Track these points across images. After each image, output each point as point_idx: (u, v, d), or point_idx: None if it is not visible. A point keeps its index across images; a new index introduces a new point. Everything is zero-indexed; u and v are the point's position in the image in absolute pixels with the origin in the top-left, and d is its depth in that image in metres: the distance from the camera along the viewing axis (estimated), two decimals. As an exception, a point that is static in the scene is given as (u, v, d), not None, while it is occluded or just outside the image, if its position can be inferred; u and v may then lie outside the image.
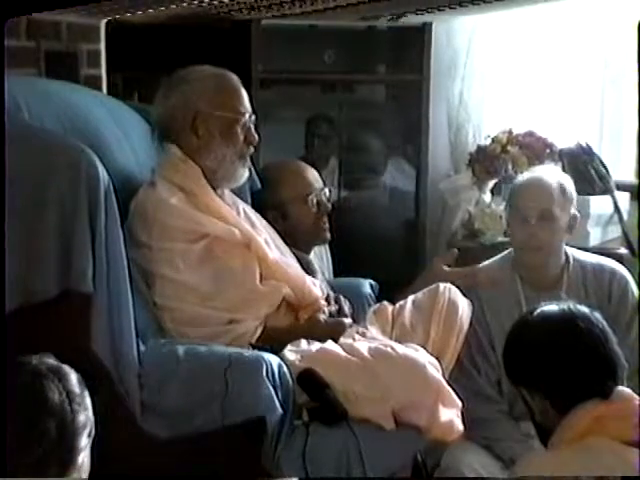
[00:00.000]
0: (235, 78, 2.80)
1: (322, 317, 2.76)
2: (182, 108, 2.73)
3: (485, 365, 2.95)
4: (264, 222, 2.96)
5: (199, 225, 2.66)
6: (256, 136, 2.79)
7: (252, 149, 2.81)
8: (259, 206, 3.05)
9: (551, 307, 2.21)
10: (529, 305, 2.91)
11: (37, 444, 1.63)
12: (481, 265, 3.13)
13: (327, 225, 3.17)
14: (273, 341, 2.61)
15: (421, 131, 4.43)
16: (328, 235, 3.20)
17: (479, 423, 2.84)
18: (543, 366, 2.13)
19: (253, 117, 2.80)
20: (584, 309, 2.19)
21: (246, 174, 2.85)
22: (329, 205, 3.17)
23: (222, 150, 2.74)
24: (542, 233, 2.97)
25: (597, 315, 2.18)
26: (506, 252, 3.14)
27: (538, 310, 2.22)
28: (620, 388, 2.10)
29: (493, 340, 2.95)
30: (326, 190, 3.19)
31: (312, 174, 3.19)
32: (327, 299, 2.85)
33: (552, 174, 3.11)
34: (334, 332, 2.70)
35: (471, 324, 2.79)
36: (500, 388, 2.96)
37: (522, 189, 3.04)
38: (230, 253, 2.69)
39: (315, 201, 3.13)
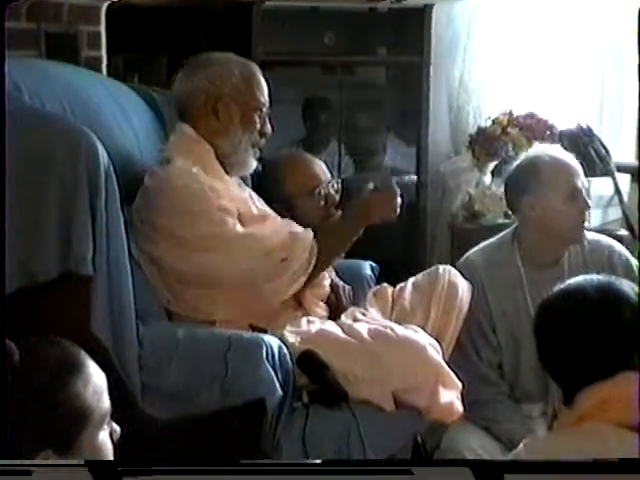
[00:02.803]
0: (259, 69, 2.83)
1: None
2: (206, 89, 2.73)
3: (486, 348, 2.93)
4: (268, 208, 2.95)
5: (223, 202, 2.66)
6: (270, 128, 2.81)
7: (264, 141, 2.83)
8: (263, 198, 3.00)
9: (588, 281, 2.10)
10: (531, 285, 2.91)
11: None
12: (480, 246, 3.12)
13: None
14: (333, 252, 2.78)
15: (421, 113, 4.43)
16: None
17: (479, 405, 2.84)
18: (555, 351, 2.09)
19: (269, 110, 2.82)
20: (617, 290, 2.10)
21: (255, 164, 2.85)
22: (337, 197, 3.13)
23: (238, 136, 2.75)
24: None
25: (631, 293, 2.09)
26: (505, 232, 3.11)
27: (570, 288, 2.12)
28: (626, 372, 2.06)
29: (494, 322, 2.94)
30: (334, 182, 3.12)
31: (319, 166, 3.11)
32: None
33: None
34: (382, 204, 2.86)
35: (472, 306, 2.79)
36: (501, 371, 2.95)
37: (560, 167, 2.96)
38: (256, 225, 2.72)
39: (323, 194, 3.09)
